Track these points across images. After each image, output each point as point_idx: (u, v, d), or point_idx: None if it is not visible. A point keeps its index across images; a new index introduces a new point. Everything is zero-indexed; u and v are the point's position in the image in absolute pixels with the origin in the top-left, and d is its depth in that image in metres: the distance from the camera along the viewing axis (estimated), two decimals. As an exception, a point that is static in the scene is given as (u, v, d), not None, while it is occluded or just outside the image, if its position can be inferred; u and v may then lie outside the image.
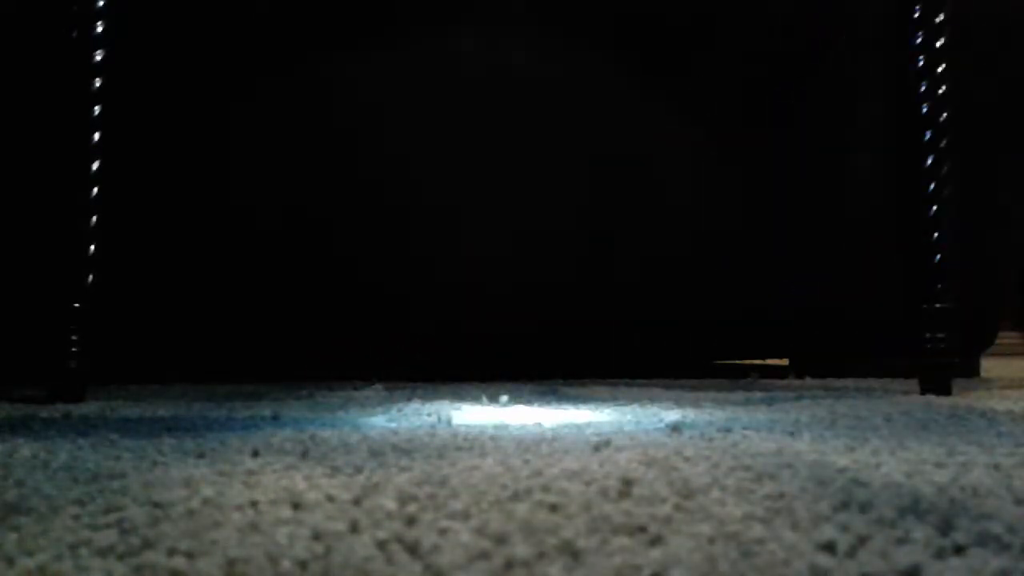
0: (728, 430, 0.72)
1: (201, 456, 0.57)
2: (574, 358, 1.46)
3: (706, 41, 1.41)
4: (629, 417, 0.85)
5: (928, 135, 1.10)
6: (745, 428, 0.74)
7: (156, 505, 0.40)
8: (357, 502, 0.40)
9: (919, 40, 1.11)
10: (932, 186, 1.10)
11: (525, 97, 1.37)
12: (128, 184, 1.20)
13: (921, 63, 1.10)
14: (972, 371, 1.55)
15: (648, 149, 1.40)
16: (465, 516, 0.38)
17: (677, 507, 0.40)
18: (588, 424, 0.78)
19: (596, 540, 0.34)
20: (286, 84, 1.33)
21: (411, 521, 0.37)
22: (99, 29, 1.04)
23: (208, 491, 0.42)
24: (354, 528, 0.35)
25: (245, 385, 1.23)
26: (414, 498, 0.41)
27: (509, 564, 0.31)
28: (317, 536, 0.34)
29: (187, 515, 0.38)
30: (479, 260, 1.37)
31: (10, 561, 0.31)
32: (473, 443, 0.63)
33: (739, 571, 0.30)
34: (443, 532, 0.35)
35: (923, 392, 1.11)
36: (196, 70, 1.31)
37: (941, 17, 1.11)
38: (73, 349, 1.02)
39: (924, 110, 1.10)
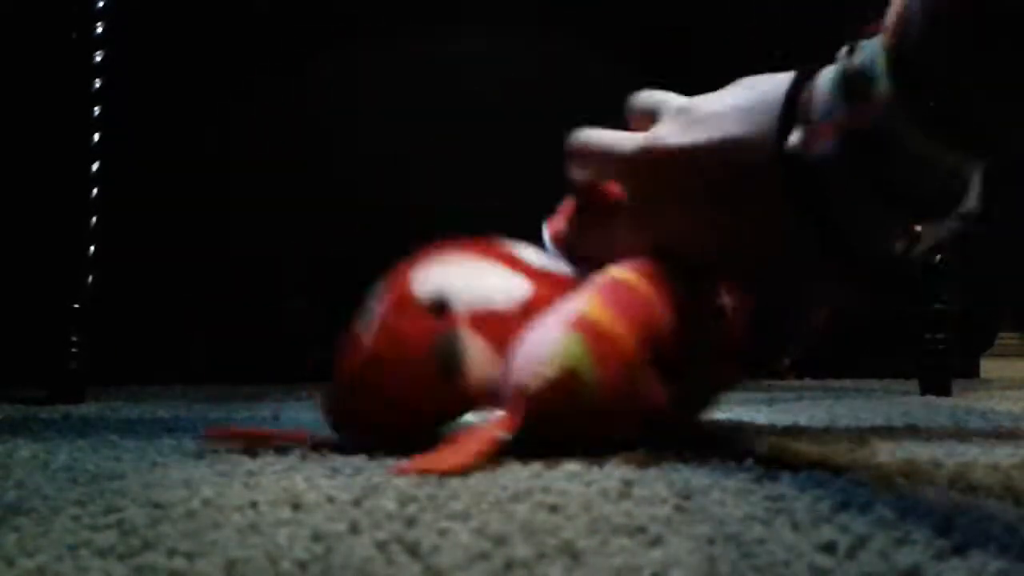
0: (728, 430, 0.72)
1: (201, 457, 0.57)
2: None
3: (706, 41, 1.41)
4: (629, 417, 0.84)
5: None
6: (745, 428, 0.74)
7: (156, 506, 0.40)
8: (357, 503, 0.40)
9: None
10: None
11: (525, 98, 1.37)
12: (128, 184, 1.20)
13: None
14: (972, 371, 1.55)
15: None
16: (465, 517, 0.38)
17: (677, 508, 0.40)
18: (588, 424, 0.78)
19: (596, 541, 0.34)
20: (284, 83, 1.33)
21: (411, 522, 0.37)
22: (99, 29, 1.04)
23: (208, 492, 0.42)
24: (354, 529, 0.35)
25: (245, 385, 1.23)
26: (414, 499, 0.41)
27: (509, 565, 0.31)
28: (317, 537, 0.34)
29: (187, 516, 0.38)
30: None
31: (10, 562, 0.31)
32: (473, 443, 0.63)
33: (739, 572, 0.30)
34: (443, 533, 0.35)
35: (923, 392, 1.11)
36: (197, 70, 1.31)
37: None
38: (73, 349, 1.02)
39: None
